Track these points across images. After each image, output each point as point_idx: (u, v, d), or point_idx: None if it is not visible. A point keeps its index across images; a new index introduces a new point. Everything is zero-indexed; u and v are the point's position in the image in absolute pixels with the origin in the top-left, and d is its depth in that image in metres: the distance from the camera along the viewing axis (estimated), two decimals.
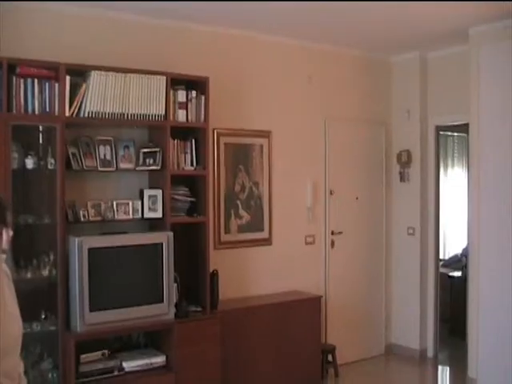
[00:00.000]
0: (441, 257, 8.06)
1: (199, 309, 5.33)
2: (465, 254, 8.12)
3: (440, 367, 7.24)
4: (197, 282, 5.42)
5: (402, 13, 5.48)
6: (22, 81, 4.52)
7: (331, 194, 6.92)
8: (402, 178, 7.37)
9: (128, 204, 5.06)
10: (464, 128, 6.91)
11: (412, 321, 7.28)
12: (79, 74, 4.77)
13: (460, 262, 8.70)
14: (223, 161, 6.03)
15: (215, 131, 5.87)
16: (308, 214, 6.73)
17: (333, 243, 6.95)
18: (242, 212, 6.18)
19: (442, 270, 7.90)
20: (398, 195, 7.49)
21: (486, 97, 5.92)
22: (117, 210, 5.01)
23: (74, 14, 5.15)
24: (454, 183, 9.78)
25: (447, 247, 9.69)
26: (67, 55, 4.82)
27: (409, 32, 6.22)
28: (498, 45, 5.79)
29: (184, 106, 5.26)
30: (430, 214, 7.26)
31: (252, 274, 6.23)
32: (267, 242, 6.38)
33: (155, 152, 5.13)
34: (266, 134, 6.34)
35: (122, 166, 5.07)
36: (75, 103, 4.70)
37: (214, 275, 5.44)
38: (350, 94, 7.13)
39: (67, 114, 4.67)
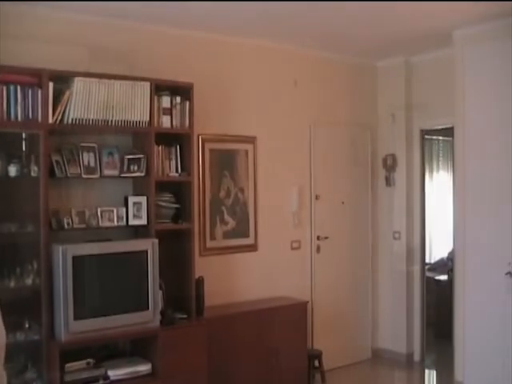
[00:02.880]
0: (427, 260, 8.06)
1: (185, 316, 5.30)
2: (451, 257, 8.13)
3: (427, 371, 7.25)
4: (182, 289, 5.39)
5: (386, 17, 5.48)
6: (4, 87, 4.46)
7: (317, 198, 6.90)
8: (388, 182, 7.38)
9: (112, 211, 5.02)
10: (449, 132, 6.89)
11: (398, 325, 7.28)
12: (63, 80, 4.72)
13: (446, 265, 8.71)
14: (208, 167, 6.00)
15: (200, 137, 5.85)
16: (294, 219, 6.71)
17: (319, 248, 6.92)
18: (227, 218, 6.15)
19: (428, 273, 7.90)
20: (383, 199, 7.50)
21: (472, 99, 5.92)
22: (101, 217, 4.96)
23: (60, 18, 5.10)
24: (439, 187, 9.78)
25: (433, 251, 9.68)
26: (51, 61, 4.77)
27: (394, 36, 6.22)
28: (483, 46, 5.79)
29: (168, 111, 5.23)
30: (416, 218, 7.26)
31: (238, 280, 6.20)
32: (253, 247, 6.36)
33: (139, 158, 5.09)
34: (251, 140, 6.32)
35: (106, 172, 5.02)
36: (59, 110, 4.66)
37: (200, 282, 5.41)
38: (336, 98, 7.12)
39: (50, 120, 4.62)
